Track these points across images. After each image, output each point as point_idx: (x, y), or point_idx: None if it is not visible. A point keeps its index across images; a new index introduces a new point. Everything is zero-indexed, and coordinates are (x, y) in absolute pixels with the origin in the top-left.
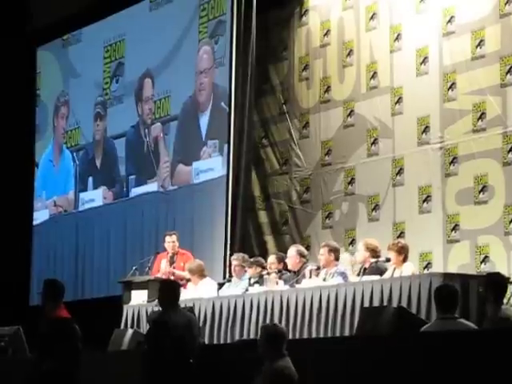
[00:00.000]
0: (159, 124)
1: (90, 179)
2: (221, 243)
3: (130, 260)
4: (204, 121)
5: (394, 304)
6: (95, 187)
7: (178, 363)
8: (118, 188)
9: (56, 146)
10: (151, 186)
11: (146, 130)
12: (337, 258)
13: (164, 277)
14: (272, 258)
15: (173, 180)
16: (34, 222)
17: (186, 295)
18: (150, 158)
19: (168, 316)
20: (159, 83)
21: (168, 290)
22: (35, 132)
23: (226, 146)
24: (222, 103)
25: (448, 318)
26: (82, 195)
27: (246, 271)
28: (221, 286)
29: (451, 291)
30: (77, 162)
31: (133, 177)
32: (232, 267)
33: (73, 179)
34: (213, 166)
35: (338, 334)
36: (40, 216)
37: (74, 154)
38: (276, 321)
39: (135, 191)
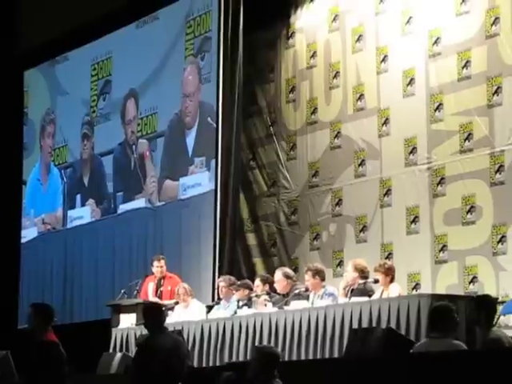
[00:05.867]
0: (146, 141)
1: (78, 196)
2: (209, 265)
3: (118, 280)
4: (191, 138)
5: (383, 325)
6: (83, 204)
7: None
8: (105, 205)
9: (43, 164)
10: (139, 202)
11: (134, 147)
12: (322, 279)
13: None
14: (257, 281)
15: (160, 196)
16: (22, 240)
17: (175, 318)
18: (138, 175)
19: (154, 339)
20: (146, 100)
21: (152, 314)
22: (23, 150)
23: (213, 161)
24: (209, 118)
25: (437, 337)
26: (71, 212)
27: (233, 293)
28: (209, 308)
29: (436, 309)
30: (65, 179)
31: (120, 193)
32: (219, 289)
33: (61, 197)
34: (200, 181)
35: (327, 356)
36: (28, 234)
37: (62, 171)
38: (265, 343)
39: (123, 207)
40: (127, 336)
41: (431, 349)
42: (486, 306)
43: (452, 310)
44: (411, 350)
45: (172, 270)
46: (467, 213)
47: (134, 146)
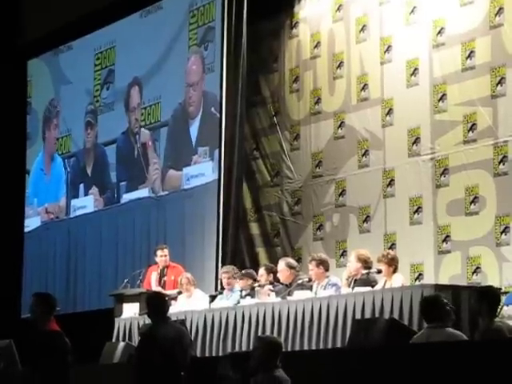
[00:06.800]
0: (148, 131)
1: (82, 186)
2: (212, 255)
3: (121, 270)
4: (194, 127)
5: (386, 315)
6: (86, 194)
7: (169, 376)
8: (109, 194)
9: (47, 154)
10: (142, 192)
11: (137, 136)
12: (326, 269)
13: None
14: (261, 270)
15: (163, 185)
16: (26, 229)
17: (178, 308)
18: (141, 164)
19: (157, 329)
20: (149, 89)
21: (155, 304)
22: (26, 139)
23: (216, 151)
24: (213, 109)
25: (434, 327)
26: (74, 202)
27: (236, 283)
28: (213, 298)
29: (431, 300)
30: (68, 169)
31: (124, 183)
32: (222, 279)
33: (64, 186)
34: (203, 171)
35: (330, 346)
36: (31, 223)
37: (66, 160)
38: (268, 333)
39: (126, 197)
40: (130, 325)
41: (431, 339)
42: (487, 296)
43: (441, 299)
44: (410, 341)
45: (175, 259)
46: (470, 203)
47: (137, 136)
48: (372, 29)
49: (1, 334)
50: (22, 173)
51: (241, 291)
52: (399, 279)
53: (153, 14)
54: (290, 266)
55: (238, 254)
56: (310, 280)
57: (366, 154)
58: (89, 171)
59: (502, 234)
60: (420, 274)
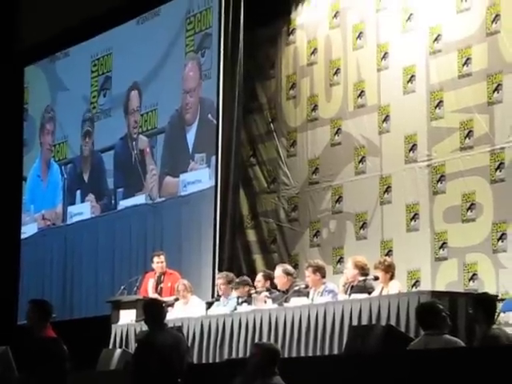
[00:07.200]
0: (145, 138)
1: (78, 192)
2: (209, 261)
3: (118, 276)
4: (191, 134)
5: (383, 322)
6: (83, 200)
7: (166, 383)
8: (105, 201)
9: (43, 161)
10: (139, 199)
11: (134, 143)
12: (323, 276)
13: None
14: (259, 277)
15: (160, 192)
16: (22, 236)
17: (175, 315)
18: (138, 171)
19: (154, 336)
20: (146, 96)
21: (152, 311)
22: (23, 146)
23: (213, 157)
24: (209, 115)
25: (431, 334)
26: (71, 208)
27: (232, 290)
28: (209, 305)
29: (426, 307)
30: (65, 175)
31: (121, 189)
32: (218, 286)
33: (61, 193)
34: (200, 177)
35: (326, 353)
36: (28, 230)
37: (62, 167)
38: (265, 339)
39: (123, 204)
40: (127, 332)
41: (429, 346)
42: (483, 303)
43: (437, 306)
44: (407, 348)
45: (172, 266)
46: (467, 210)
47: (134, 142)
48: (369, 35)
49: None
50: (18, 179)
51: (237, 298)
52: (396, 286)
53: (150, 21)
54: (287, 273)
55: (235, 260)
56: (306, 286)
57: (362, 160)
58: (85, 178)
59: (498, 240)
60: (417, 281)
